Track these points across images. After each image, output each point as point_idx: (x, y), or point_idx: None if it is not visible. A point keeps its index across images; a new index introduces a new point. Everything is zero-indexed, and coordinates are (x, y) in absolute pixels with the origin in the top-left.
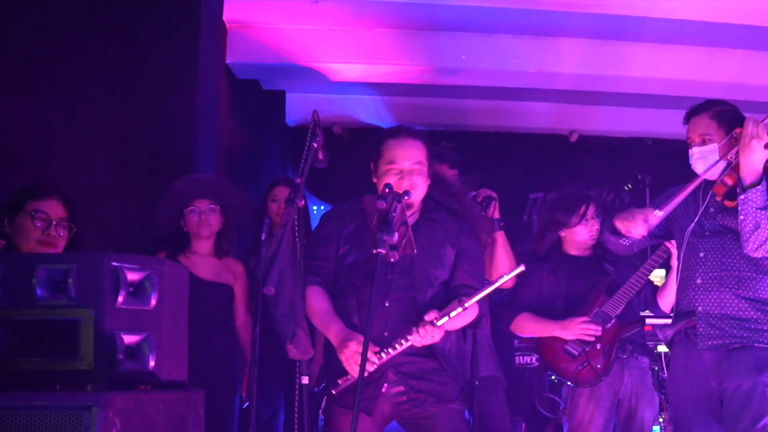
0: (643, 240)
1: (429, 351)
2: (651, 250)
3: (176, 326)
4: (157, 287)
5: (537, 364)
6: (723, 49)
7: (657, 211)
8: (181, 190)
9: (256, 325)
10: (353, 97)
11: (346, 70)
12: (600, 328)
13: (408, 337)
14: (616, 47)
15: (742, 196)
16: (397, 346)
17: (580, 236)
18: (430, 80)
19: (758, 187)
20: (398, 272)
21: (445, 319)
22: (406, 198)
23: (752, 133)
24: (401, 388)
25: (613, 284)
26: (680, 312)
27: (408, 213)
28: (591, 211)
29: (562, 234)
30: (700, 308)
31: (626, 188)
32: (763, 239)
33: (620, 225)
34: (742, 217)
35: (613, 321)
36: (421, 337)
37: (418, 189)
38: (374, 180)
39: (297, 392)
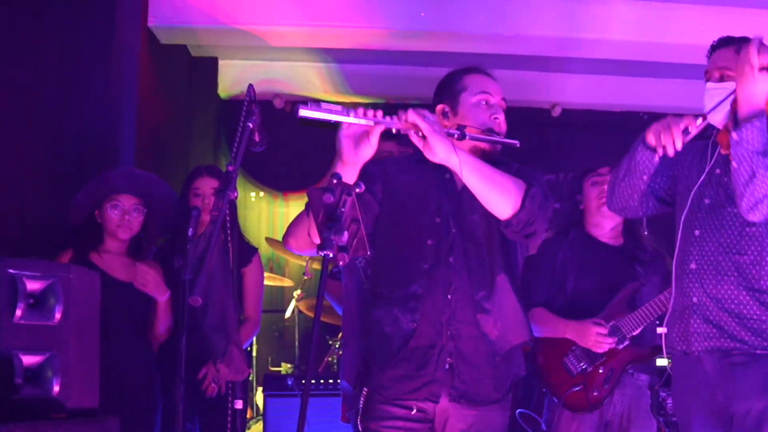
0: (650, 204)
1: (483, 334)
2: None
3: (85, 344)
4: (63, 298)
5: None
6: (732, 8)
7: (699, 118)
8: (110, 179)
9: (182, 337)
10: (297, 65)
11: (288, 33)
12: (614, 342)
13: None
14: (605, 5)
15: (735, 136)
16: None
17: (590, 199)
18: (387, 45)
19: (755, 122)
20: (461, 227)
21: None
22: (357, 190)
23: (749, 58)
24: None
25: (639, 293)
26: (676, 306)
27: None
28: (608, 171)
29: (582, 206)
30: (695, 299)
31: None
32: (761, 195)
33: (653, 137)
34: (734, 164)
35: (626, 343)
36: (413, 115)
37: (504, 129)
38: (445, 123)
39: (229, 419)
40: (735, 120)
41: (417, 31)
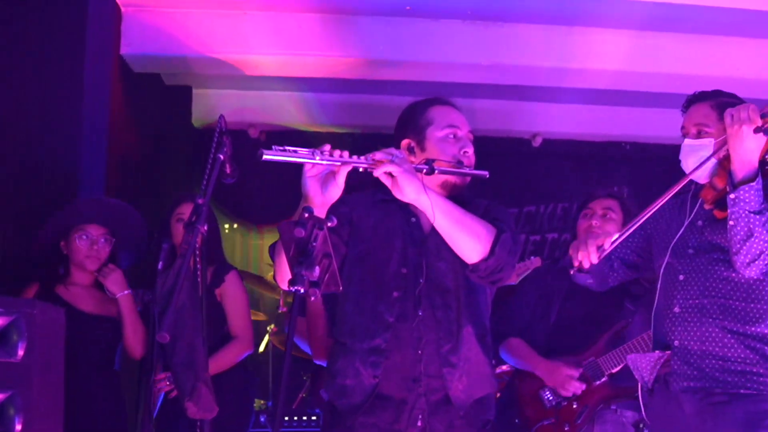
0: (617, 270)
1: (449, 388)
2: None
3: (49, 381)
4: (26, 335)
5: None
6: (715, 36)
7: (616, 234)
8: (77, 208)
9: (151, 373)
10: (273, 94)
11: (263, 62)
12: (583, 387)
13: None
14: (586, 34)
15: (732, 195)
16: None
17: (579, 231)
18: (364, 74)
19: (752, 184)
20: (427, 277)
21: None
22: (329, 224)
23: (742, 117)
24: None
25: (626, 330)
26: (657, 349)
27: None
28: (600, 206)
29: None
30: (676, 342)
31: None
32: (757, 252)
33: (572, 253)
34: (731, 222)
35: (604, 379)
36: (381, 154)
37: (473, 162)
38: (411, 159)
39: None
40: (731, 181)
41: (393, 60)
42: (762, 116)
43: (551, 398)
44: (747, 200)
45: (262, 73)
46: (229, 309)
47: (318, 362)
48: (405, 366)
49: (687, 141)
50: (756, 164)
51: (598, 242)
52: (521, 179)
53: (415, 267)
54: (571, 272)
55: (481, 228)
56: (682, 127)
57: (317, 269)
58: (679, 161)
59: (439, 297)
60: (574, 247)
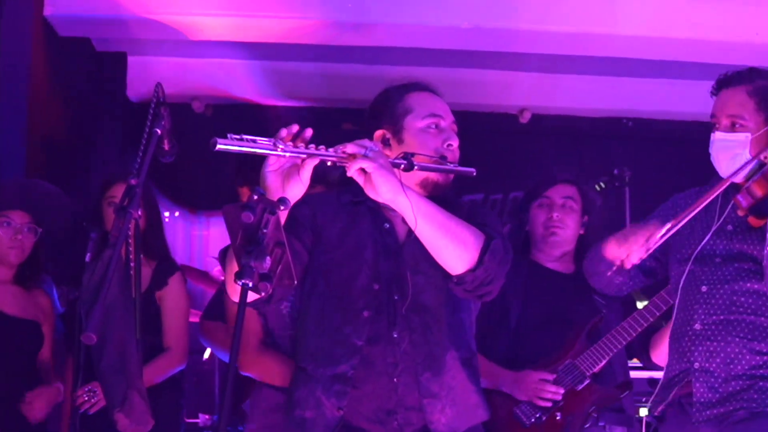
0: (634, 278)
1: (431, 422)
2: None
3: None
4: None
5: None
6: None
7: (667, 225)
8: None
9: (77, 383)
10: (221, 62)
11: (210, 25)
12: (562, 392)
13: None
14: None
15: None
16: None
17: (536, 225)
18: (328, 39)
19: None
20: (403, 292)
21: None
22: (282, 208)
23: None
24: None
25: (600, 327)
26: (672, 371)
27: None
28: (558, 194)
29: (528, 228)
30: (696, 364)
31: (598, 187)
32: None
33: (614, 250)
34: None
35: (587, 382)
36: (352, 146)
37: (457, 157)
38: (386, 153)
39: None
40: None
41: (360, 24)
42: None
43: (529, 414)
44: None
45: (208, 38)
46: (166, 315)
47: (245, 374)
48: (378, 396)
49: (719, 134)
50: None
51: (646, 234)
52: (506, 161)
53: (388, 282)
54: (609, 274)
55: (469, 234)
56: (712, 116)
57: (268, 260)
58: (707, 154)
59: (417, 316)
60: (615, 241)
